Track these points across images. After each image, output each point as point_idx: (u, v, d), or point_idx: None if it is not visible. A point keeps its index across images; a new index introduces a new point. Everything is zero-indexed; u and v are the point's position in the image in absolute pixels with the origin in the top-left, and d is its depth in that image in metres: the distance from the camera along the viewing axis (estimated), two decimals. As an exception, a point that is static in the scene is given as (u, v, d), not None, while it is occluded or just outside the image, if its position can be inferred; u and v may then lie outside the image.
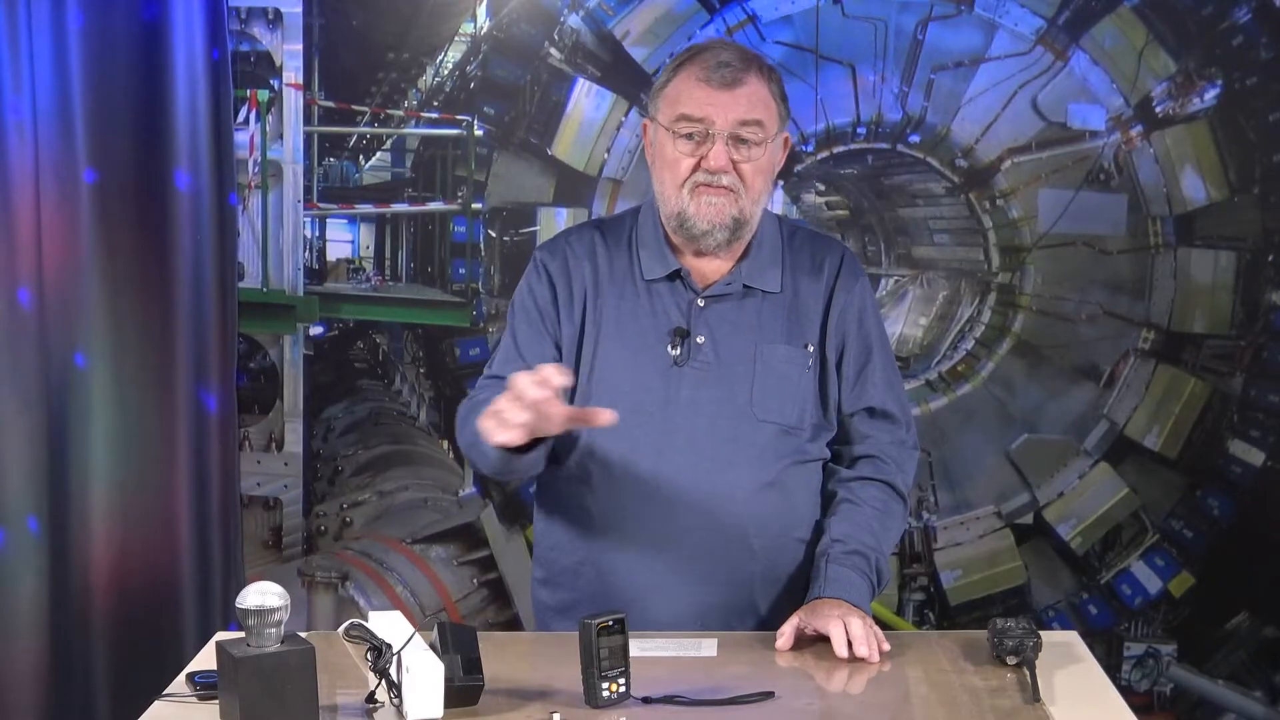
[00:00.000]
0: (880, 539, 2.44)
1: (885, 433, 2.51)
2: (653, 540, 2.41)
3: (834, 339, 2.48)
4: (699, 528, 2.41)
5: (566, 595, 2.51)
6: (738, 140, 2.36)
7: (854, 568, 2.39)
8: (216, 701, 1.98)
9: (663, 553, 2.42)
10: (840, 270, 2.50)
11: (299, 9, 3.89)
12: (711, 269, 2.46)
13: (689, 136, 2.37)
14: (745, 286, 2.46)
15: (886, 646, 2.28)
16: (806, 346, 2.46)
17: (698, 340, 2.43)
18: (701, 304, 2.44)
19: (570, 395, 2.46)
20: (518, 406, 2.14)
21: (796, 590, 2.48)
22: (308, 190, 3.97)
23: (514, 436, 2.17)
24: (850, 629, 2.26)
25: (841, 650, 2.25)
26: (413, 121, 3.98)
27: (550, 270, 2.50)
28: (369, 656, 2.03)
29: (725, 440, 2.41)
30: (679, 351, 2.42)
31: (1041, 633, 2.21)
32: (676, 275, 2.46)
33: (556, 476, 2.50)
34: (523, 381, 2.12)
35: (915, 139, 3.91)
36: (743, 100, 2.36)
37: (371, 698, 2.04)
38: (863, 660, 2.24)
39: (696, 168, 2.37)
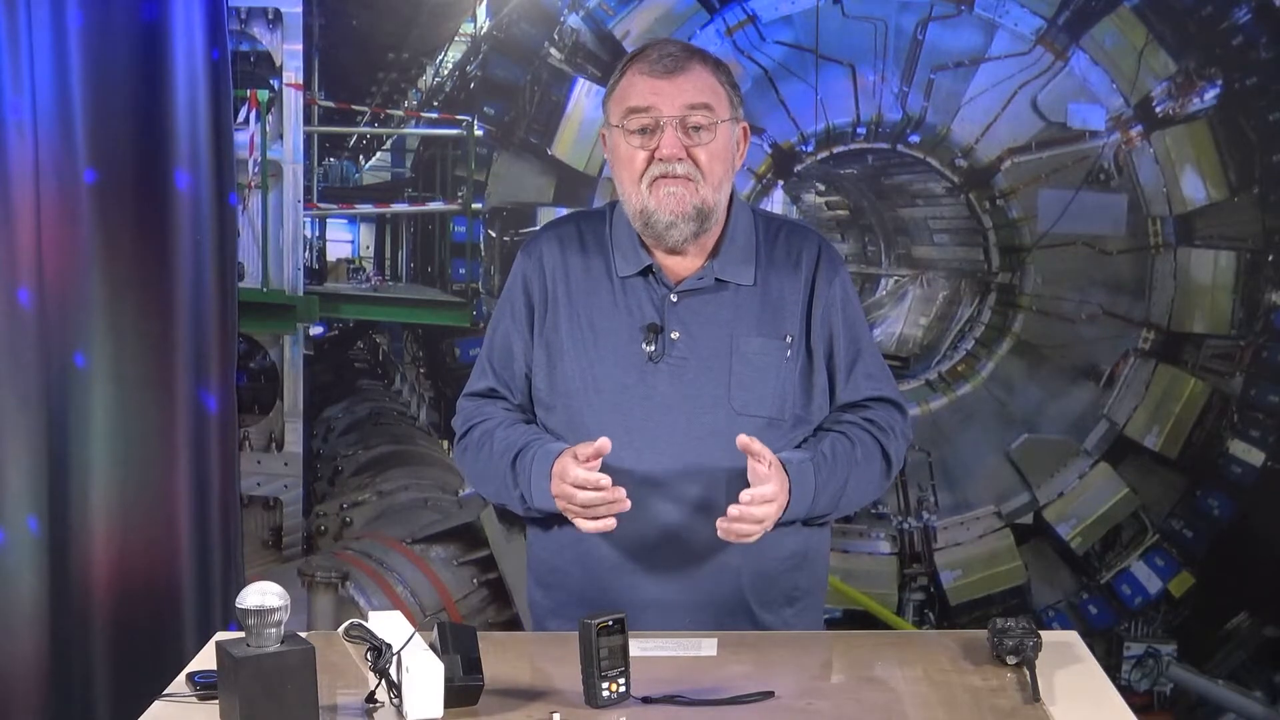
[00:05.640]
0: (838, 467, 2.43)
1: (885, 410, 2.51)
2: (637, 538, 2.42)
3: (820, 332, 2.48)
4: (683, 525, 2.42)
5: (558, 595, 2.53)
6: (688, 127, 2.37)
7: (813, 466, 2.40)
8: (216, 701, 1.98)
9: (648, 551, 2.43)
10: (819, 263, 2.49)
11: (299, 9, 3.89)
12: (684, 265, 2.46)
13: (640, 130, 2.38)
14: (718, 280, 2.46)
15: (754, 536, 2.31)
16: (785, 338, 2.45)
17: (672, 335, 2.43)
18: (674, 299, 2.45)
19: (548, 396, 2.49)
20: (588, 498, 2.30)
21: (785, 584, 2.49)
22: (308, 190, 3.97)
23: (609, 524, 2.32)
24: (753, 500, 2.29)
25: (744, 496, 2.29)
26: (413, 121, 3.99)
27: (525, 273, 2.52)
28: (369, 656, 2.03)
29: (706, 434, 2.41)
30: (653, 347, 2.43)
31: (1041, 633, 2.21)
32: (649, 271, 2.46)
33: None
34: (579, 492, 2.30)
35: (915, 139, 3.92)
36: (687, 86, 2.37)
37: (371, 698, 2.04)
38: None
39: (651, 160, 2.38)
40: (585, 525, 2.34)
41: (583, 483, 2.30)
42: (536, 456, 2.40)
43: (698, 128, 2.37)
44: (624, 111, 2.39)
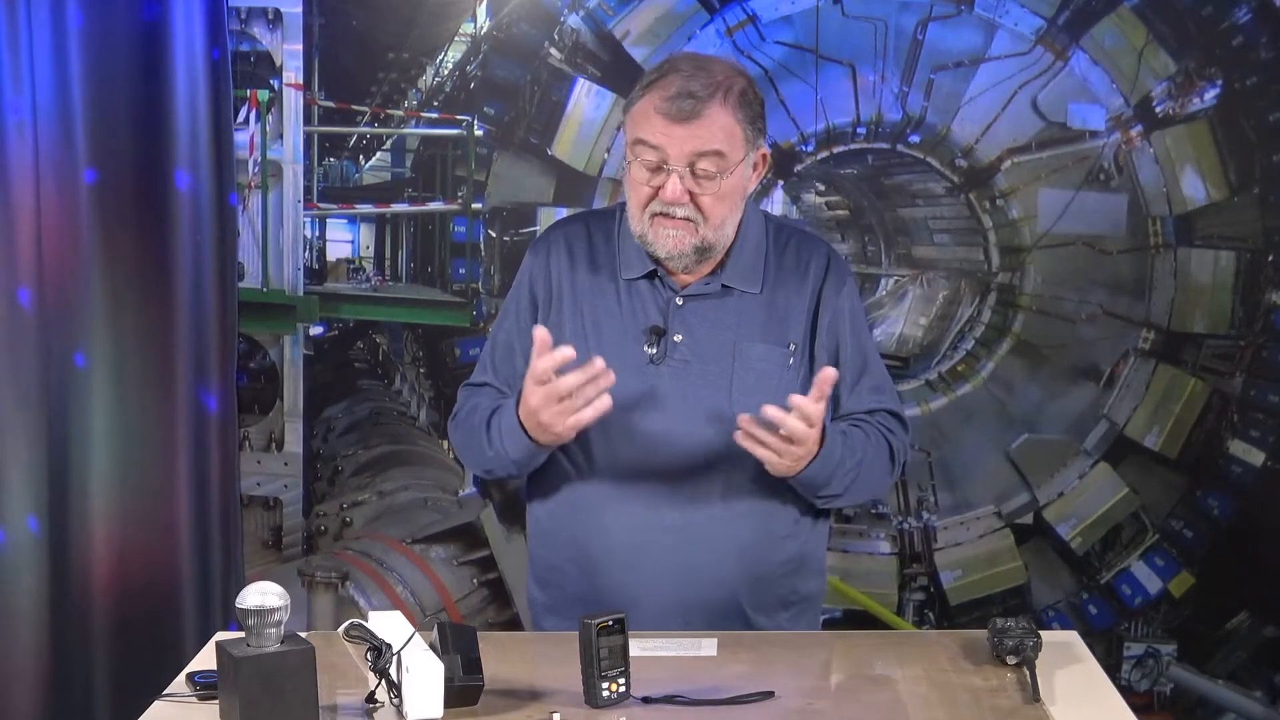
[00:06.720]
0: (854, 448, 2.41)
1: (890, 420, 2.51)
2: (634, 538, 2.42)
3: (825, 341, 2.47)
4: (679, 526, 2.42)
5: (555, 592, 2.53)
6: (696, 173, 2.34)
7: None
8: (216, 701, 1.98)
9: (645, 551, 2.43)
10: (827, 272, 2.49)
11: (299, 9, 3.89)
12: (691, 272, 2.45)
13: (647, 163, 2.35)
14: (724, 286, 2.45)
15: (785, 463, 2.29)
16: (789, 346, 2.45)
17: (675, 338, 2.43)
18: (680, 302, 2.44)
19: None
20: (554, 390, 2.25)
21: (782, 589, 2.49)
22: (308, 190, 3.97)
23: (585, 415, 2.26)
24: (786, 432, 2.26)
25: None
26: (413, 121, 3.98)
27: (532, 272, 2.52)
28: (369, 656, 2.03)
29: (705, 439, 2.41)
30: (655, 350, 2.42)
31: (1041, 633, 2.21)
32: (655, 274, 2.46)
33: (543, 473, 2.51)
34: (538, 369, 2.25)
35: (915, 139, 3.91)
36: (701, 132, 2.32)
37: (371, 698, 2.04)
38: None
39: (655, 195, 2.35)
40: (570, 422, 2.28)
41: (544, 369, 2.25)
42: (506, 407, 2.39)
43: (705, 175, 2.34)
44: (634, 139, 2.36)
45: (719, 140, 2.33)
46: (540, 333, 2.26)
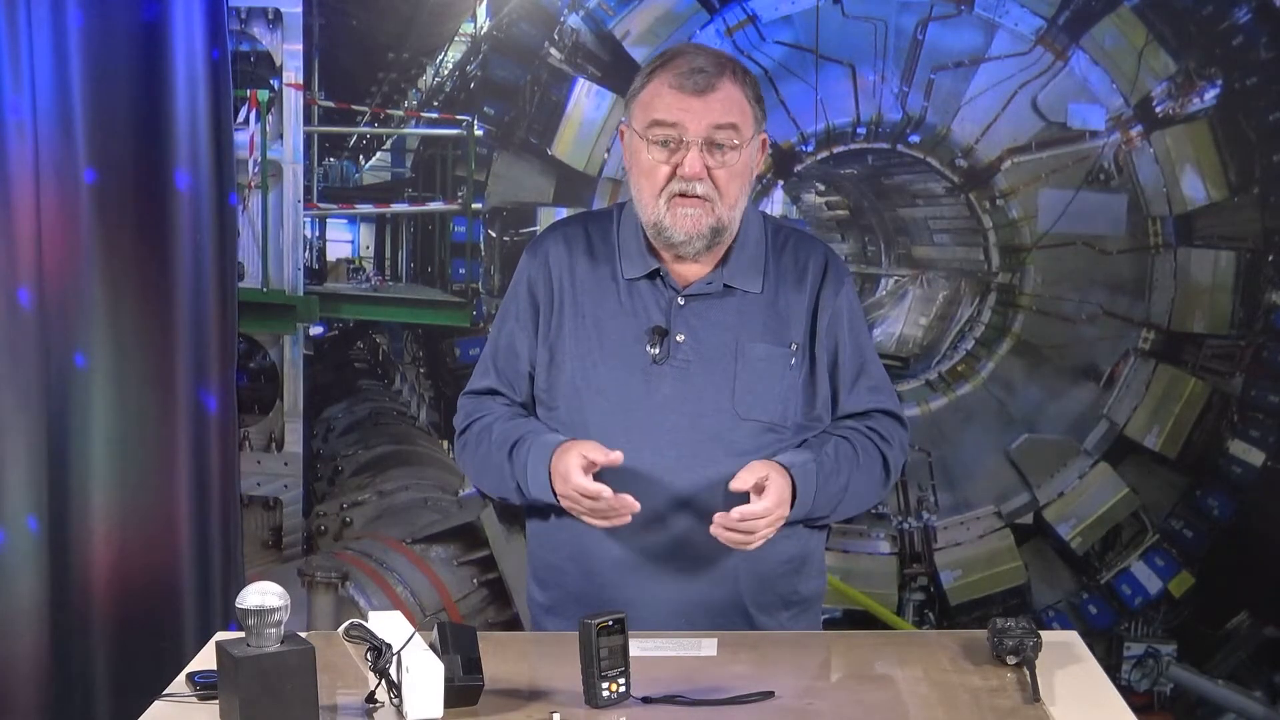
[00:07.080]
0: (841, 468, 2.43)
1: (887, 422, 2.53)
2: (636, 538, 2.42)
3: (825, 342, 2.49)
4: (682, 525, 2.42)
5: (555, 593, 2.54)
6: (712, 145, 2.36)
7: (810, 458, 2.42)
8: (216, 701, 1.98)
9: (646, 550, 2.43)
10: (826, 273, 2.50)
11: (299, 9, 3.89)
12: (692, 270, 2.47)
13: (663, 143, 2.37)
14: (725, 286, 2.46)
15: (752, 544, 2.33)
16: (790, 345, 2.46)
17: (677, 338, 2.43)
18: (682, 302, 2.45)
19: (549, 396, 2.49)
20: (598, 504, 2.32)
21: (781, 587, 2.49)
22: (308, 190, 3.97)
23: (622, 520, 2.34)
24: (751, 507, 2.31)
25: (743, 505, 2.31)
26: (413, 121, 3.99)
27: (531, 273, 2.53)
28: (369, 656, 2.03)
29: (707, 438, 2.42)
30: (658, 350, 2.43)
31: (1041, 633, 2.21)
32: (657, 274, 2.46)
33: None
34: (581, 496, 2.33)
35: (915, 139, 3.92)
36: (716, 105, 2.35)
37: (371, 698, 2.04)
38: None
39: (672, 175, 2.37)
40: (596, 523, 2.36)
41: (585, 492, 2.31)
42: (533, 447, 2.41)
43: (721, 147, 2.36)
44: (649, 121, 2.38)
45: (734, 113, 2.37)
46: (613, 457, 2.32)
